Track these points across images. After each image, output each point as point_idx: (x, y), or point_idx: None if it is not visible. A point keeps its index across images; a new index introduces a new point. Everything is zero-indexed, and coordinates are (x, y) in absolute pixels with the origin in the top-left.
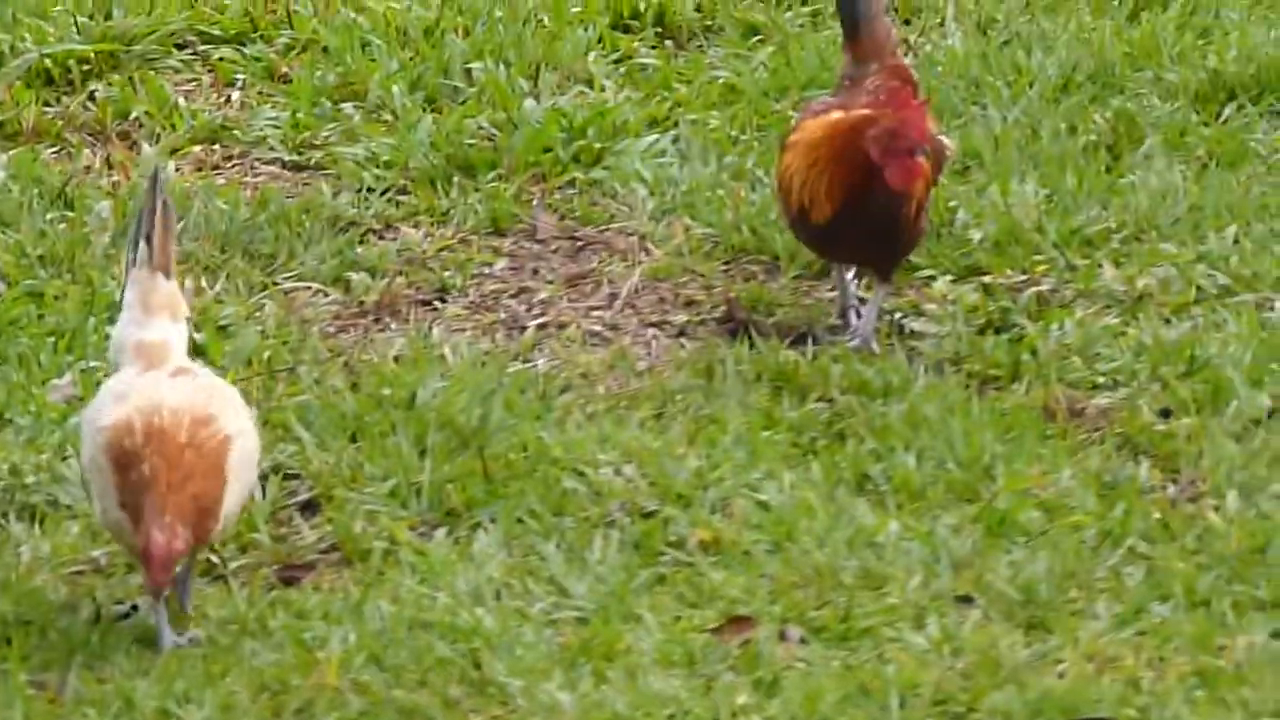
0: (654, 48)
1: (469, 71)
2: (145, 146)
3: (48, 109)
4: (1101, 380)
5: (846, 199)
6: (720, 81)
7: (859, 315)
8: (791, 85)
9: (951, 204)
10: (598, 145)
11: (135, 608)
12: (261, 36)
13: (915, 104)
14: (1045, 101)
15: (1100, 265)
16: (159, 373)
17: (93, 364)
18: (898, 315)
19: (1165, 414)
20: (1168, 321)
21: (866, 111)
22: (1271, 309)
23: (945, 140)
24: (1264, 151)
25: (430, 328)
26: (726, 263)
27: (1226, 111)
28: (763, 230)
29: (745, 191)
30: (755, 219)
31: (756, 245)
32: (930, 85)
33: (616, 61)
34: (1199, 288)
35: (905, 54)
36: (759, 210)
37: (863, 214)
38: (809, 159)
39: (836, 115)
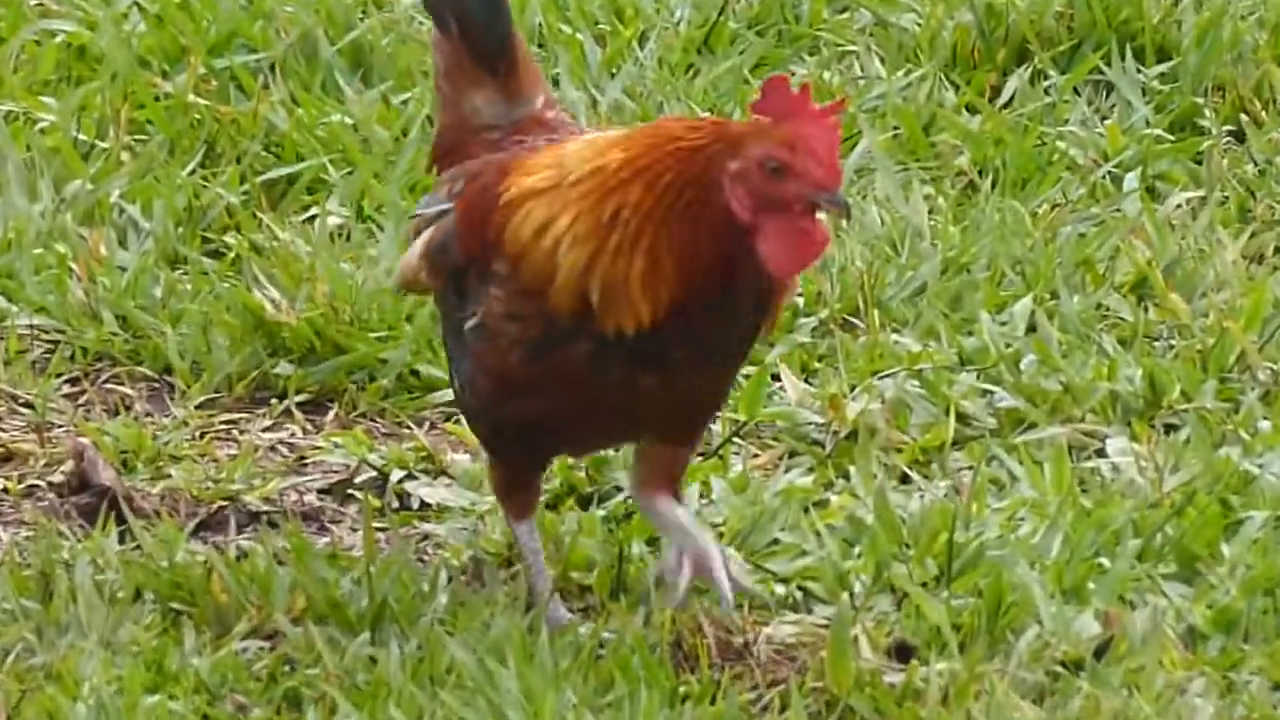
0: None
1: None
2: None
3: None
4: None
5: (685, 296)
6: (59, 41)
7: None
8: (195, 46)
9: None
10: None
11: None
12: None
13: (816, 110)
14: None
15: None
16: None
17: None
18: (396, 477)
19: (904, 652)
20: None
21: (709, 122)
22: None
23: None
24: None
25: None
26: (72, 380)
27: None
28: (138, 315)
29: (111, 237)
30: (125, 298)
31: (130, 347)
32: None
33: None
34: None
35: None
36: (131, 284)
37: (705, 323)
38: (600, 212)
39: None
